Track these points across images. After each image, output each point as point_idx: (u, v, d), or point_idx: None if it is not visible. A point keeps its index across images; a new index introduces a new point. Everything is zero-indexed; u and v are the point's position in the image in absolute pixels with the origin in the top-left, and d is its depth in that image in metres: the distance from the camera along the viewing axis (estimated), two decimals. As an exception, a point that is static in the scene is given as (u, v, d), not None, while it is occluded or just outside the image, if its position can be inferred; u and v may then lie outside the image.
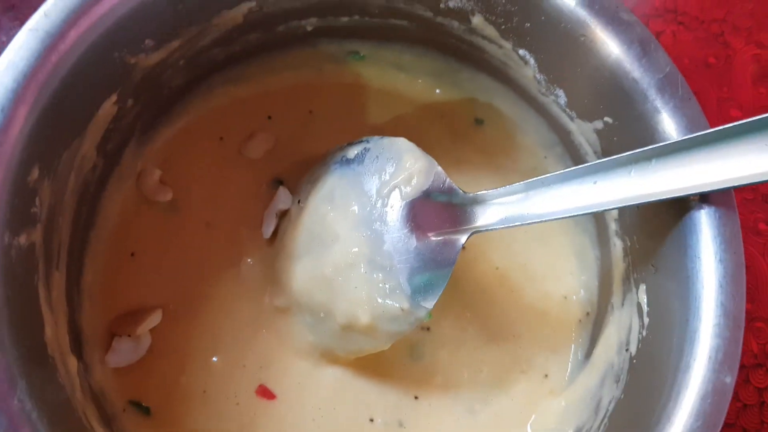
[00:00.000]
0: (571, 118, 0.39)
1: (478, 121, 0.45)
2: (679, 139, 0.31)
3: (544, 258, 0.43)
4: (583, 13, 0.35)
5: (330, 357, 0.39)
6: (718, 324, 0.30)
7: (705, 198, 0.31)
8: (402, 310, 0.35)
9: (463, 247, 0.42)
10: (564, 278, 0.42)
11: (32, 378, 0.27)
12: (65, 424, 0.28)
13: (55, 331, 0.31)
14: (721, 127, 0.30)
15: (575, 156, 0.41)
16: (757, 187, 0.53)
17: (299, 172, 0.42)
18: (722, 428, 0.47)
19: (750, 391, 0.48)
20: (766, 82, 0.56)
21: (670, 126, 0.33)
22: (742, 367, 0.48)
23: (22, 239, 0.30)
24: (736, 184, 0.30)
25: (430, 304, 0.35)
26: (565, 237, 0.43)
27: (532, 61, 0.39)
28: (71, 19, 0.31)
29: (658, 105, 0.33)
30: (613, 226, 0.39)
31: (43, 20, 0.31)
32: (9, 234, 0.28)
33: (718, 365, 0.29)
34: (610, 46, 0.34)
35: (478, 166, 0.44)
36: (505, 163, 0.44)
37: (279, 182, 0.42)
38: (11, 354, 0.26)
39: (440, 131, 0.45)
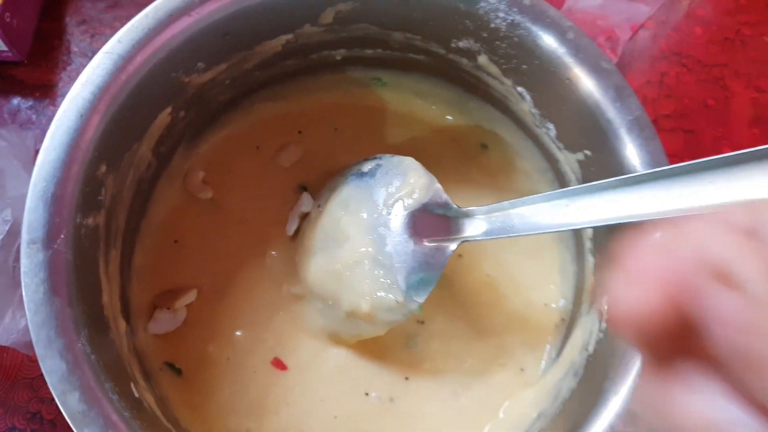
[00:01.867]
0: (559, 149, 0.43)
1: (484, 146, 0.49)
2: (641, 173, 0.35)
3: (530, 270, 0.46)
4: (569, 60, 0.39)
5: (335, 338, 0.43)
6: (660, 331, 0.35)
7: (661, 224, 0.36)
8: (397, 302, 0.39)
9: (460, 256, 0.47)
10: (547, 288, 0.46)
11: (92, 330, 0.32)
12: (115, 369, 0.33)
13: (110, 298, 0.37)
14: (676, 165, 0.34)
15: (562, 182, 0.45)
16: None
17: (322, 180, 0.46)
18: None
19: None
20: (761, 124, 0.59)
21: (635, 161, 0.37)
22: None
23: (90, 220, 0.35)
24: (685, 213, 0.34)
25: (421, 299, 0.39)
26: (550, 253, 0.47)
27: (528, 97, 0.43)
28: (139, 45, 0.36)
29: (627, 142, 0.38)
30: (588, 245, 0.43)
31: (116, 45, 0.36)
32: (81, 215, 0.34)
33: (656, 364, 0.34)
34: (590, 89, 0.39)
35: (482, 185, 0.48)
36: (505, 184, 0.48)
37: (304, 188, 0.47)
38: (77, 308, 0.32)
39: (450, 153, 0.49)
